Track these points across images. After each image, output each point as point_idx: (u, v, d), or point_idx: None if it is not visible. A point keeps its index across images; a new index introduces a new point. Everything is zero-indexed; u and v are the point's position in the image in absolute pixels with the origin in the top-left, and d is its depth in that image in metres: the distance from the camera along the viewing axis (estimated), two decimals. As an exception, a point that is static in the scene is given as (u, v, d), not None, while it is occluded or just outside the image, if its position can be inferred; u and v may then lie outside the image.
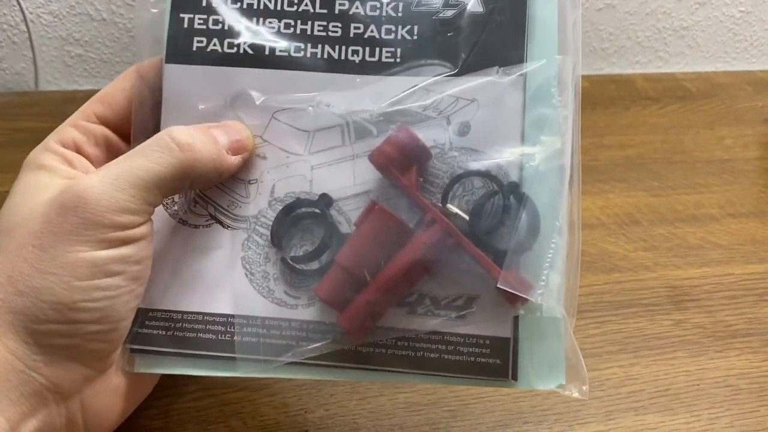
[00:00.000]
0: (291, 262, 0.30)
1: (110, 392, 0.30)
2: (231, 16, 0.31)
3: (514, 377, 0.29)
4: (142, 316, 0.30)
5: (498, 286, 0.28)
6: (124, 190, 0.27)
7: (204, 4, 0.31)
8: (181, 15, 0.31)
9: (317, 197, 0.30)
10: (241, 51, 0.31)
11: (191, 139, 0.28)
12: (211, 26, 0.31)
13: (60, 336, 0.26)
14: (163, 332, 0.30)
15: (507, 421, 0.34)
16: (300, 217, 0.30)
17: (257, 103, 0.31)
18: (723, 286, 0.44)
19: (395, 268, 0.29)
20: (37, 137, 0.59)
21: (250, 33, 0.31)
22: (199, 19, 0.31)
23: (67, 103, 0.65)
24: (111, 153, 0.32)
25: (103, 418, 0.30)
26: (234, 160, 0.30)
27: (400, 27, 0.31)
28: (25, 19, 0.67)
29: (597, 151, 0.59)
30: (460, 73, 0.30)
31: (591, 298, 0.42)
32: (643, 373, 0.37)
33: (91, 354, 0.28)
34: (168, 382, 0.34)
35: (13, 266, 0.26)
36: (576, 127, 0.30)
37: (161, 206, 0.31)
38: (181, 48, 0.31)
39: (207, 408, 0.34)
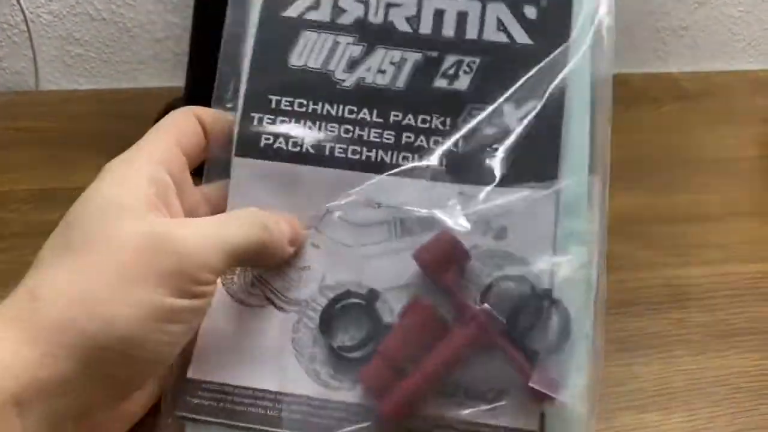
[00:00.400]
0: (337, 350, 0.32)
1: (116, 420, 0.30)
2: (296, 119, 0.34)
3: None
4: (195, 386, 0.32)
5: (530, 384, 0.30)
6: (216, 250, 0.28)
7: (273, 105, 0.34)
8: (252, 114, 0.34)
9: (366, 290, 0.33)
10: (304, 150, 0.34)
11: (272, 223, 0.31)
12: (278, 126, 0.34)
13: (113, 366, 0.27)
14: (215, 403, 0.32)
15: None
16: (348, 307, 0.33)
17: (314, 199, 0.34)
18: (723, 285, 0.44)
19: (434, 361, 0.31)
20: (36, 137, 0.59)
21: (313, 134, 0.34)
22: (268, 119, 0.34)
23: (67, 103, 0.66)
24: (185, 179, 0.33)
25: None
26: (290, 250, 0.33)
27: (447, 139, 0.34)
28: (25, 19, 0.67)
29: (597, 150, 0.59)
30: (498, 185, 0.33)
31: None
32: (643, 372, 0.37)
33: (123, 388, 0.28)
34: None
35: (89, 287, 0.26)
36: (603, 242, 0.33)
37: (221, 286, 0.33)
38: (249, 143, 0.34)
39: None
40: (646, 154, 0.59)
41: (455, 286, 0.32)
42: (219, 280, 0.33)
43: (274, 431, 0.32)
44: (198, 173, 0.35)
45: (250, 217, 0.31)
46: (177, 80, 0.72)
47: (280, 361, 0.32)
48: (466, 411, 0.31)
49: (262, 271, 0.33)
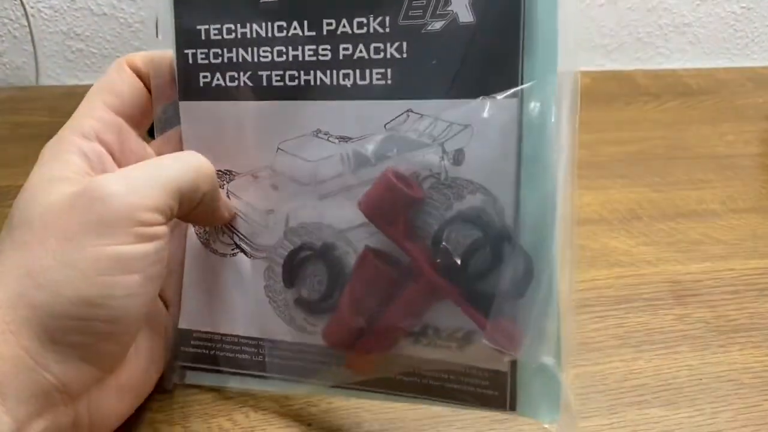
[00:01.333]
0: (303, 303, 0.32)
1: (116, 391, 0.30)
2: (228, 48, 0.32)
3: (512, 408, 0.30)
4: (187, 336, 0.34)
5: (483, 340, 0.28)
6: (151, 188, 0.28)
7: (203, 37, 0.32)
8: (185, 51, 0.32)
9: (320, 244, 0.31)
10: (242, 84, 0.32)
11: (206, 162, 0.31)
12: (212, 60, 0.32)
13: (75, 333, 0.26)
14: (206, 351, 0.33)
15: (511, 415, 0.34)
16: (307, 258, 0.32)
17: (263, 137, 0.32)
18: (725, 281, 0.44)
19: (392, 315, 0.30)
20: (37, 131, 0.59)
21: (247, 64, 0.31)
22: (201, 53, 0.32)
23: (68, 98, 0.65)
24: (126, 141, 0.32)
25: (109, 416, 0.30)
26: (225, 214, 0.33)
27: (388, 45, 0.29)
28: (26, 14, 0.67)
29: (598, 146, 0.59)
30: (453, 96, 0.28)
31: (593, 293, 0.42)
32: (646, 368, 0.37)
33: (101, 355, 0.28)
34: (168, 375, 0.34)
35: (33, 259, 0.26)
36: (573, 156, 0.28)
37: (195, 235, 0.34)
38: (190, 84, 0.32)
39: (210, 401, 0.34)
40: (647, 150, 0.59)
41: (403, 237, 0.29)
42: (193, 231, 0.34)
43: (261, 375, 0.33)
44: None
45: (180, 156, 0.30)
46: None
47: (257, 308, 0.32)
48: (437, 351, 0.30)
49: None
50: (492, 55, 0.28)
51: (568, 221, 0.28)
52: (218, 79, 0.32)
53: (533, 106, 0.28)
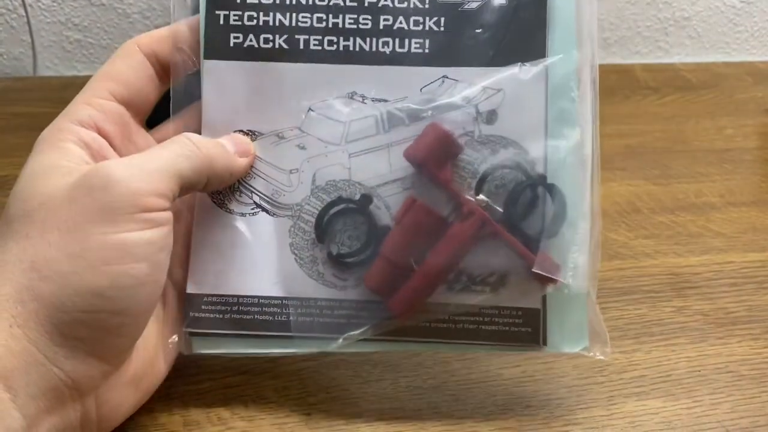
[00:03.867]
0: (337, 257, 0.32)
1: (124, 386, 0.29)
2: (265, 12, 0.32)
3: (545, 342, 0.32)
4: (197, 301, 0.32)
5: (533, 270, 0.31)
6: (152, 174, 0.27)
7: (238, 0, 0.32)
8: (217, 12, 0.32)
9: (359, 195, 0.32)
10: (276, 46, 0.32)
11: (207, 142, 0.30)
12: (246, 22, 0.32)
13: (83, 326, 0.25)
14: (220, 315, 0.32)
15: (509, 406, 0.34)
16: (342, 212, 0.32)
17: (294, 98, 0.32)
18: (723, 274, 0.44)
19: (438, 257, 0.31)
20: (35, 122, 0.58)
21: (284, 28, 0.32)
22: (234, 15, 0.32)
23: (66, 89, 0.65)
24: (126, 130, 0.32)
25: (117, 410, 0.29)
26: (242, 161, 0.32)
27: (427, 18, 0.32)
28: (23, 3, 0.67)
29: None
30: (486, 64, 0.32)
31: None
32: (645, 359, 0.37)
33: (109, 349, 0.27)
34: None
35: (36, 251, 0.25)
36: (595, 119, 0.32)
37: (206, 195, 0.33)
38: (218, 44, 0.32)
39: (208, 391, 0.34)
40: (647, 144, 0.59)
41: (450, 182, 0.32)
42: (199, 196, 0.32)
43: (283, 335, 0.32)
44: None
45: (181, 140, 0.30)
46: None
47: (282, 267, 0.32)
48: (471, 295, 0.32)
49: (248, 178, 0.33)
50: (522, 32, 0.32)
51: (595, 171, 0.33)
52: (251, 41, 0.32)
53: (558, 74, 0.32)
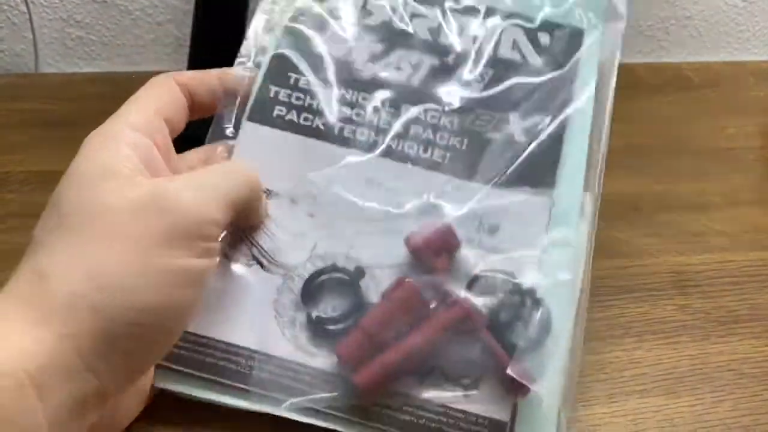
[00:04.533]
0: (317, 320, 0.33)
1: (135, 395, 0.30)
2: (312, 97, 0.36)
3: None
4: None
5: (507, 372, 0.31)
6: (215, 202, 0.28)
7: (292, 82, 0.37)
8: (271, 86, 0.37)
9: (353, 266, 0.33)
10: (314, 126, 0.36)
11: (254, 172, 0.32)
12: (293, 101, 0.36)
13: (130, 340, 0.25)
14: (186, 353, 0.32)
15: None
16: (333, 280, 0.33)
17: (316, 171, 0.35)
18: (725, 272, 0.44)
19: (413, 340, 0.32)
20: (36, 119, 0.59)
21: (326, 113, 0.36)
22: (285, 92, 0.36)
23: (67, 86, 0.65)
24: (166, 146, 0.32)
25: (124, 417, 0.30)
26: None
27: (452, 136, 0.36)
28: (25, 0, 0.67)
29: (599, 138, 0.58)
30: (497, 185, 0.35)
31: (595, 282, 0.42)
32: (647, 357, 0.37)
33: (145, 363, 0.28)
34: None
35: (97, 261, 0.25)
36: (590, 248, 0.35)
37: None
38: (262, 111, 0.36)
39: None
40: (648, 143, 0.59)
41: (443, 272, 0.33)
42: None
43: (238, 387, 0.32)
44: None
45: (234, 167, 0.31)
46: (178, 64, 0.72)
47: (260, 321, 0.33)
48: (441, 394, 0.32)
49: (253, 231, 0.34)
50: (535, 163, 0.35)
51: (584, 297, 0.34)
52: (292, 115, 0.36)
53: (563, 203, 0.35)
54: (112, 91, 0.64)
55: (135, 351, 0.26)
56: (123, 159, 0.28)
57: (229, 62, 0.44)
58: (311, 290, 0.33)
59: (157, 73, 0.73)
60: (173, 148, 0.33)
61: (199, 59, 0.54)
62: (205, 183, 0.29)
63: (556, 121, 0.36)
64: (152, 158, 0.30)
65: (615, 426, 0.33)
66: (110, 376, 0.26)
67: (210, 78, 0.35)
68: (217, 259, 0.29)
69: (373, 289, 0.33)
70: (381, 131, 0.36)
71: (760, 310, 0.41)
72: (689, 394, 0.35)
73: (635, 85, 0.69)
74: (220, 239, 0.29)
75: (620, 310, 0.40)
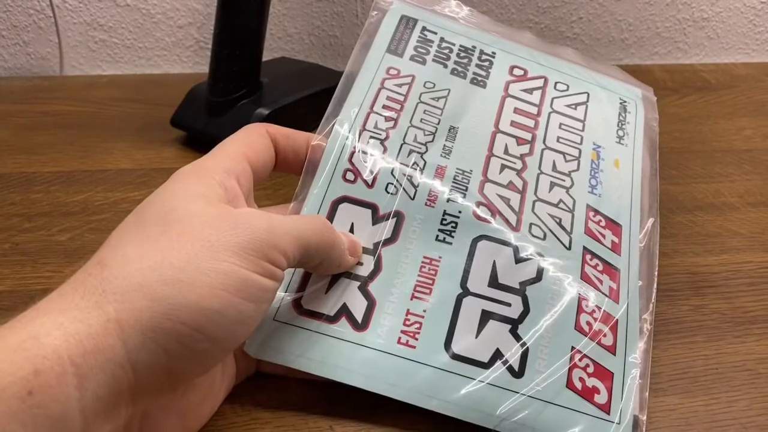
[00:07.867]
0: None
1: (172, 414, 0.29)
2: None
3: None
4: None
5: None
6: (284, 235, 0.29)
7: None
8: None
9: None
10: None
11: (334, 229, 0.34)
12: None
13: (176, 339, 0.26)
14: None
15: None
16: None
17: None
18: (742, 273, 0.44)
19: None
20: (61, 121, 0.60)
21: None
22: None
23: (91, 88, 0.67)
24: (250, 191, 0.34)
25: (194, 419, 0.31)
26: (351, 259, 0.35)
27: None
28: (51, 4, 0.68)
29: (616, 140, 0.59)
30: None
31: (610, 283, 0.42)
32: (662, 356, 0.37)
33: (183, 370, 0.27)
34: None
35: (164, 255, 0.26)
36: None
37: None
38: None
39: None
40: (666, 144, 0.59)
41: None
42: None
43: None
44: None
45: (316, 217, 0.34)
46: (199, 66, 0.73)
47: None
48: None
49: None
50: None
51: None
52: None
53: None
54: (134, 94, 0.65)
55: (178, 354, 0.26)
56: (210, 188, 0.30)
57: (250, 64, 0.45)
58: None
59: (179, 75, 0.74)
60: (253, 193, 0.35)
61: (221, 62, 0.55)
62: (276, 217, 0.30)
63: None
64: (235, 197, 0.32)
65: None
66: (148, 376, 0.26)
67: (300, 138, 0.37)
68: (278, 285, 0.29)
69: None
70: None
71: (777, 311, 0.41)
72: (704, 394, 0.35)
73: (653, 86, 0.69)
74: (285, 268, 0.30)
75: (636, 310, 0.41)
